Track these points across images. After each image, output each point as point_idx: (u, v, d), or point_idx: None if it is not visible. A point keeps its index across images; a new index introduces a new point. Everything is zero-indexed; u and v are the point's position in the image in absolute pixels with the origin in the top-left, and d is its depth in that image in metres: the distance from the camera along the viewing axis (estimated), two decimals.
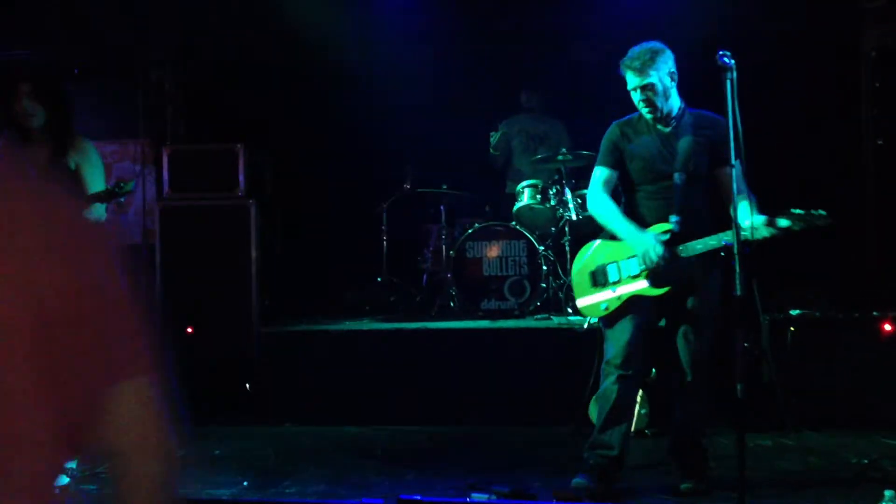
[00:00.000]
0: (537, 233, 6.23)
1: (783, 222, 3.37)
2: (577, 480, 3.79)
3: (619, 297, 3.72)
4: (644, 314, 3.72)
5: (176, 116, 7.23)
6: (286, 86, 7.37)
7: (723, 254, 3.55)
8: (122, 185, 3.91)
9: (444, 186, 6.67)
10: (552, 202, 6.22)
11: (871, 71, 6.45)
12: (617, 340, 3.74)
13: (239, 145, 6.20)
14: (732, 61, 3.31)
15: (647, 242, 3.61)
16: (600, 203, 3.81)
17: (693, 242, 3.57)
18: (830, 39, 6.60)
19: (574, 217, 6.04)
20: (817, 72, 6.57)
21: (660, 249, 3.58)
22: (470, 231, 6.22)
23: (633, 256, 3.68)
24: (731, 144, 3.30)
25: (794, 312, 5.22)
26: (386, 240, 7.13)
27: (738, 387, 3.24)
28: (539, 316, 5.99)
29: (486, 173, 7.12)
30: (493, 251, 6.16)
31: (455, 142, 6.94)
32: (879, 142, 6.39)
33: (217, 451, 4.79)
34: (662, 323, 3.88)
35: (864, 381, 4.95)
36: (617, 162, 3.80)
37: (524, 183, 6.38)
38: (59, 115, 4.04)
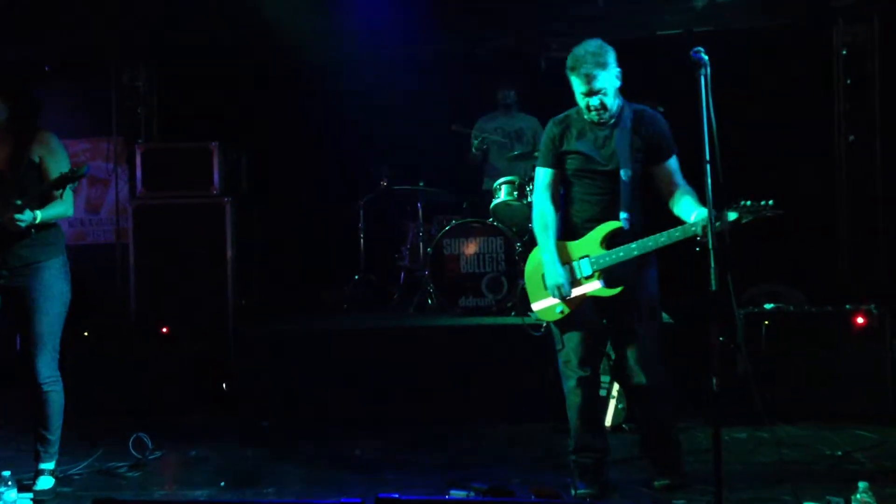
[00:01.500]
0: (514, 229, 6.24)
1: (732, 215, 3.35)
2: (580, 492, 3.77)
3: (573, 299, 3.68)
4: (592, 314, 3.72)
5: (149, 114, 7.16)
6: (261, 83, 7.33)
7: (697, 249, 3.53)
8: (75, 170, 3.88)
9: (421, 184, 6.66)
10: (529, 198, 6.23)
11: (842, 68, 6.53)
12: (569, 341, 3.74)
13: (213, 143, 6.16)
14: (706, 57, 3.33)
15: (559, 278, 3.64)
16: (538, 212, 3.80)
17: (658, 236, 3.52)
18: (803, 37, 6.68)
19: None
20: (790, 69, 6.65)
21: (566, 290, 3.63)
22: (447, 228, 6.22)
23: (585, 257, 3.66)
24: (707, 140, 3.30)
25: (767, 307, 5.27)
26: (363, 237, 7.13)
27: (713, 381, 3.27)
28: (517, 312, 6.01)
29: (463, 170, 7.12)
30: (471, 248, 6.16)
31: (431, 139, 6.94)
32: (851, 138, 6.47)
33: (193, 452, 4.76)
34: (604, 322, 3.82)
35: (837, 374, 5.01)
36: (556, 161, 3.76)
37: (501, 180, 6.38)
38: (22, 111, 4.03)
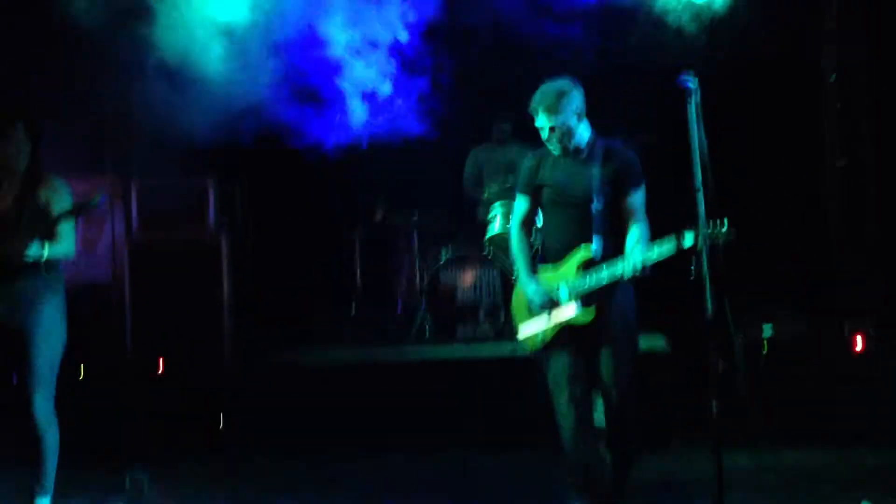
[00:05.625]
0: (510, 259, 6.24)
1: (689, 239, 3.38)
2: None
3: (553, 326, 3.74)
4: (577, 340, 3.72)
5: (143, 150, 7.14)
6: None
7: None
8: (91, 199, 3.99)
9: (415, 217, 6.67)
10: None
11: (832, 92, 6.57)
12: (555, 364, 3.76)
13: (209, 179, 6.17)
14: (695, 84, 3.32)
15: (540, 294, 3.75)
16: (512, 238, 4.01)
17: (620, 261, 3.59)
18: (792, 61, 6.72)
19: None
20: (780, 93, 6.68)
21: (540, 297, 3.73)
22: (443, 261, 6.23)
23: (563, 283, 3.72)
24: (698, 167, 3.30)
25: (766, 327, 5.27)
26: (360, 269, 7.12)
27: (713, 403, 3.25)
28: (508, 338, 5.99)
29: (459, 195, 7.13)
30: (467, 278, 6.17)
31: (427, 167, 6.94)
32: (842, 162, 6.49)
33: (191, 488, 4.72)
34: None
35: (837, 395, 5.00)
36: (532, 190, 3.93)
37: (495, 207, 6.40)
38: (38, 149, 4.07)
